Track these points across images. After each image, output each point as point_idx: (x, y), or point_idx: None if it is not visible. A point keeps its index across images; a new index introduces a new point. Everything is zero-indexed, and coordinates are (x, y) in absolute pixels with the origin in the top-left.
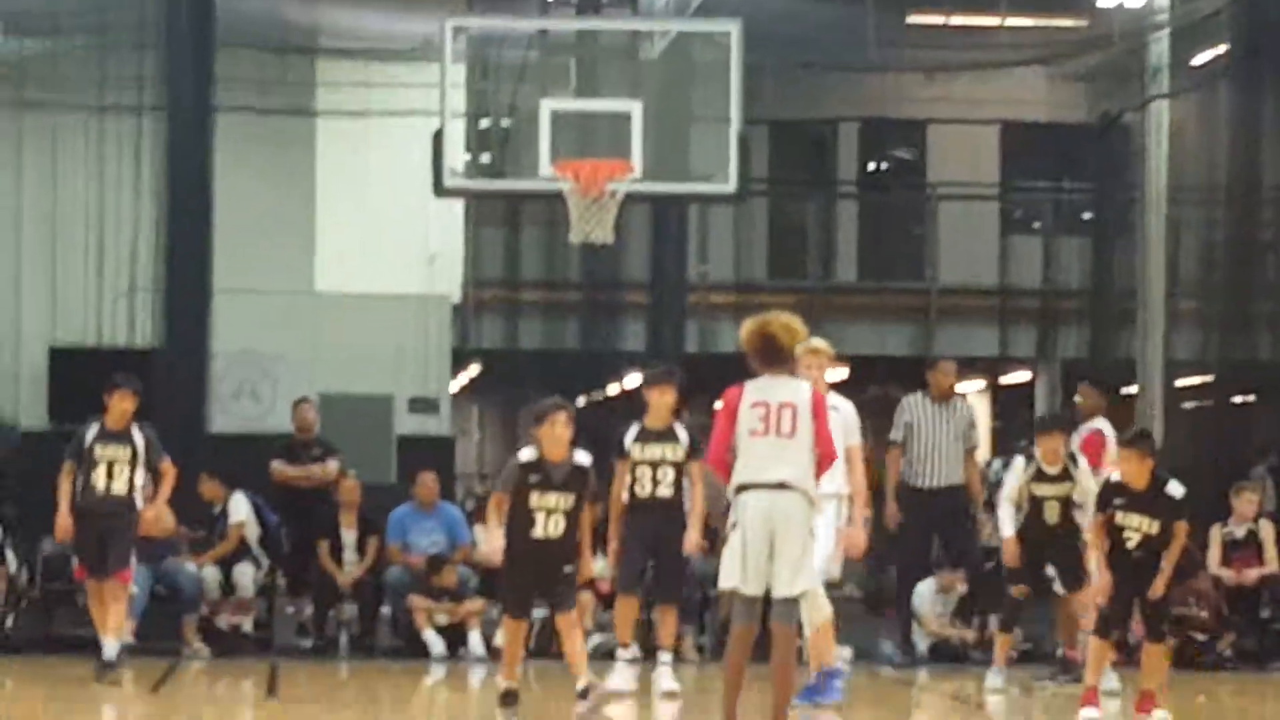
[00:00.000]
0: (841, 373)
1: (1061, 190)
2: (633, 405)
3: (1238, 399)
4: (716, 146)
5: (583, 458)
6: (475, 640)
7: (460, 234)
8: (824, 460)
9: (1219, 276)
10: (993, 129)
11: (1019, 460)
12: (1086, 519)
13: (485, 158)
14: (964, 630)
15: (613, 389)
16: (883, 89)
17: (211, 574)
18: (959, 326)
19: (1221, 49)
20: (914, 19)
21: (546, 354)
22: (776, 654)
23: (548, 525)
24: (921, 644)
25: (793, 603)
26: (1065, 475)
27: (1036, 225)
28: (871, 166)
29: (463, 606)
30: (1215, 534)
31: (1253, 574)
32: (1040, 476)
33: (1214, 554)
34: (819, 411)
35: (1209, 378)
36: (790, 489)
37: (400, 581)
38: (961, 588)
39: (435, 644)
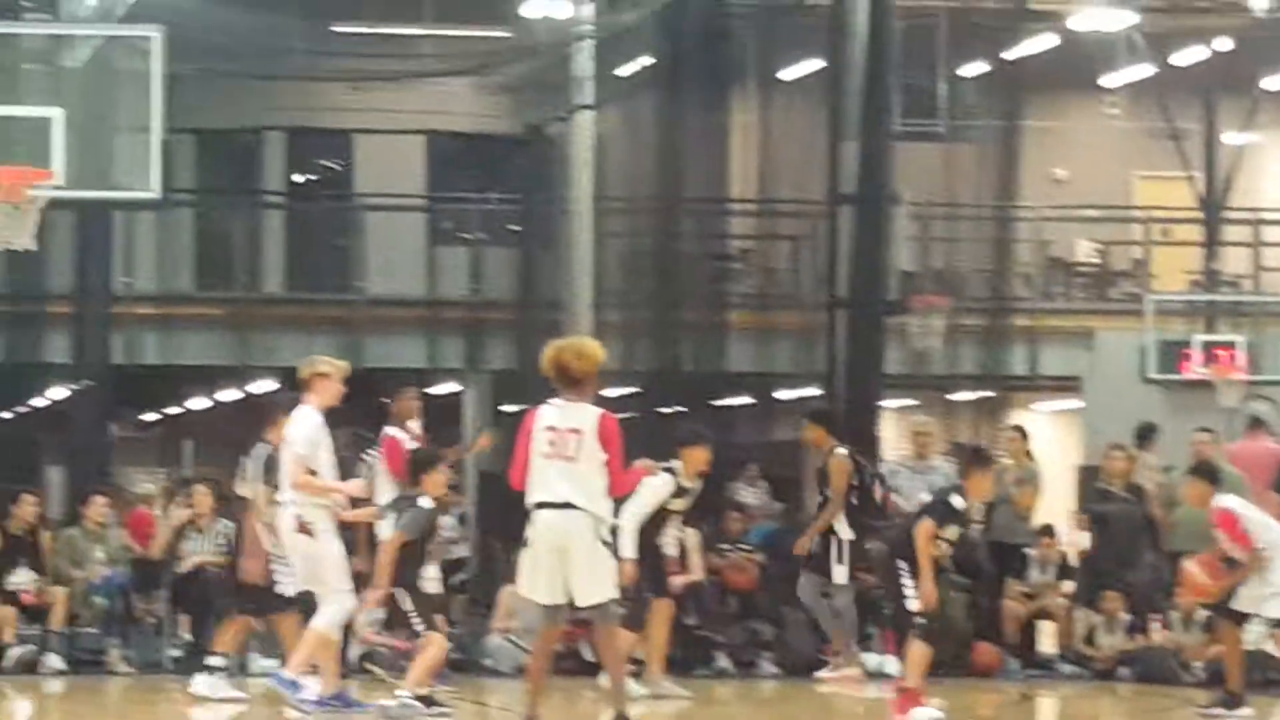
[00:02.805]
0: (272, 385)
1: (489, 201)
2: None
3: (664, 409)
4: (141, 155)
5: None
6: None
7: None
8: (613, 484)
9: (644, 286)
10: (419, 139)
11: (666, 476)
12: None
13: None
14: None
15: (38, 401)
16: (309, 98)
17: None
18: (388, 337)
19: (646, 61)
20: (339, 27)
21: None
22: (602, 654)
23: None
24: (353, 653)
25: (597, 609)
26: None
27: (464, 236)
28: (300, 177)
29: None
30: None
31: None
32: (680, 491)
33: None
34: (606, 437)
35: (635, 388)
36: (574, 509)
37: None
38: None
39: None
